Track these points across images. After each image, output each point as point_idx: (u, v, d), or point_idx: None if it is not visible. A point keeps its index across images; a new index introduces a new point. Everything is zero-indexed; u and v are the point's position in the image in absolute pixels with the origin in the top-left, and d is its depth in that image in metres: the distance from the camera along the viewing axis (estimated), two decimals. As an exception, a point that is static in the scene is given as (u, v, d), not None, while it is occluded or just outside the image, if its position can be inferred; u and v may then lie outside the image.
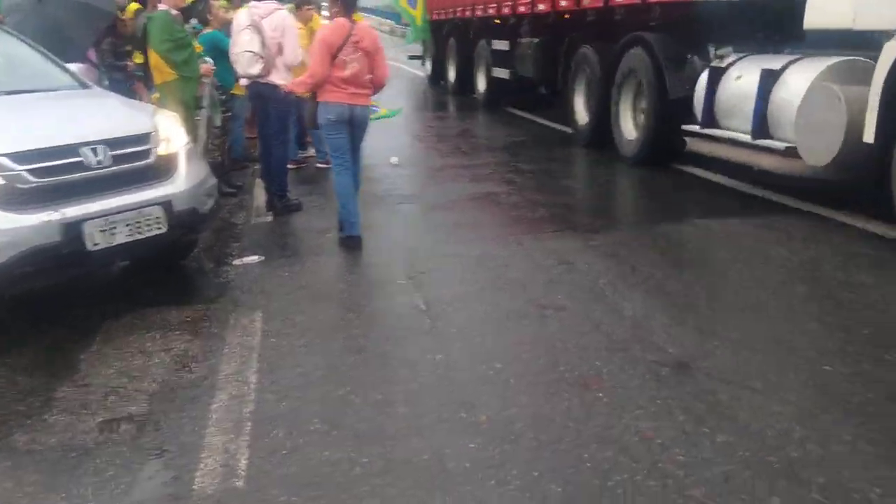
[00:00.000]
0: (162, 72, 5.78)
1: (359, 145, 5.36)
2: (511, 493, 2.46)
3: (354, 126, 5.18)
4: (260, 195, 6.59)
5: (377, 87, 5.27)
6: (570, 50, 9.01)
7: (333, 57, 4.92)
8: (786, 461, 2.56)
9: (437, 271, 4.63)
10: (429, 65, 16.39)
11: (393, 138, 8.87)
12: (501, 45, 11.37)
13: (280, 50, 5.81)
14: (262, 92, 5.98)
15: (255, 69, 5.80)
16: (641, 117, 7.43)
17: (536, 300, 4.09)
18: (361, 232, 5.20)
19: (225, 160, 6.98)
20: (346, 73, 4.99)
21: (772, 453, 2.60)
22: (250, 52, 5.75)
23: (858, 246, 4.77)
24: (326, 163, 6.72)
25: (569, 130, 9.19)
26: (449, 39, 14.20)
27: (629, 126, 7.70)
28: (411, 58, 17.53)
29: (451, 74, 14.47)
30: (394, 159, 7.86)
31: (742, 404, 2.92)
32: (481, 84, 12.70)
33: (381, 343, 3.65)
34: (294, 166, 7.24)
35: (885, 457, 2.56)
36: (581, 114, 8.83)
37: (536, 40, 10.06)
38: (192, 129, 5.50)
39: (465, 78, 13.45)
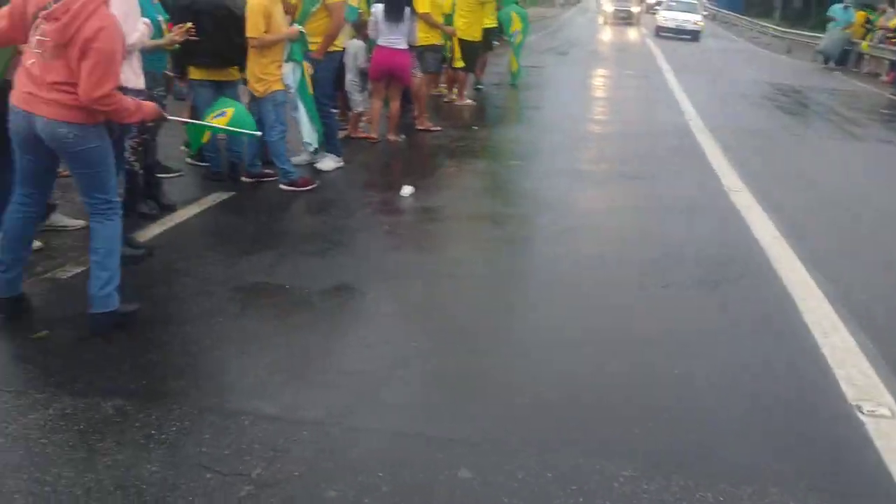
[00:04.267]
0: None
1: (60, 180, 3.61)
2: None
3: (40, 146, 3.14)
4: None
5: (84, 100, 3.09)
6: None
7: (26, 28, 3.00)
8: None
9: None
10: None
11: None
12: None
13: None
14: None
15: None
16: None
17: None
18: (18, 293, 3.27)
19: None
20: (28, 61, 3.04)
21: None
22: None
23: None
24: (292, 183, 5.46)
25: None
26: None
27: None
28: None
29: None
30: (406, 190, 5.58)
31: None
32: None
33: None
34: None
35: None
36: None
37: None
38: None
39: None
